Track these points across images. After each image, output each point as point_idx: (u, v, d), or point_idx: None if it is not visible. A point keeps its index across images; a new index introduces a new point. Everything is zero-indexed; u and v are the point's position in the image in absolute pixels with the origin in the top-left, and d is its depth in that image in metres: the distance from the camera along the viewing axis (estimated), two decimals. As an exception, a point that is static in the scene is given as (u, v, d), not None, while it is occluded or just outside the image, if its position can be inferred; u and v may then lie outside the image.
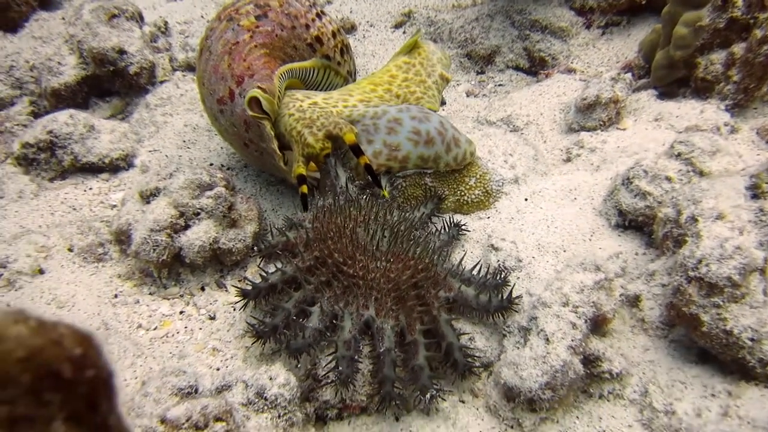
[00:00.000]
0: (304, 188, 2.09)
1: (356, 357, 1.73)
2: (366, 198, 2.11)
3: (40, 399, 0.49)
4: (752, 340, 1.68)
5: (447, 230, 2.21)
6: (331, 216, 1.96)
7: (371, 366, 1.81)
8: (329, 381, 1.76)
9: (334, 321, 1.82)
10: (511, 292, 1.91)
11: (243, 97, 2.23)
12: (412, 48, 2.59)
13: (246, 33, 2.38)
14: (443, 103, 2.77)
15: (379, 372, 1.73)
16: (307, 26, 2.54)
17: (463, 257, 2.10)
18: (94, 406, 0.53)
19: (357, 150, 2.11)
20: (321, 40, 2.57)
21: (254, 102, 2.17)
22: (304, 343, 1.76)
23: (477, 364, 1.85)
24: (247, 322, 1.93)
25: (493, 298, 1.87)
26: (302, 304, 1.85)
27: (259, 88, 2.19)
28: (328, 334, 1.80)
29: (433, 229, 2.21)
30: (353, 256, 1.85)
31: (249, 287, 1.93)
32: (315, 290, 1.86)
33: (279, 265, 1.95)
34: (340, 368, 1.70)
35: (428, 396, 1.70)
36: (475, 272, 1.98)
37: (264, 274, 1.93)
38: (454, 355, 1.79)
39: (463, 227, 2.27)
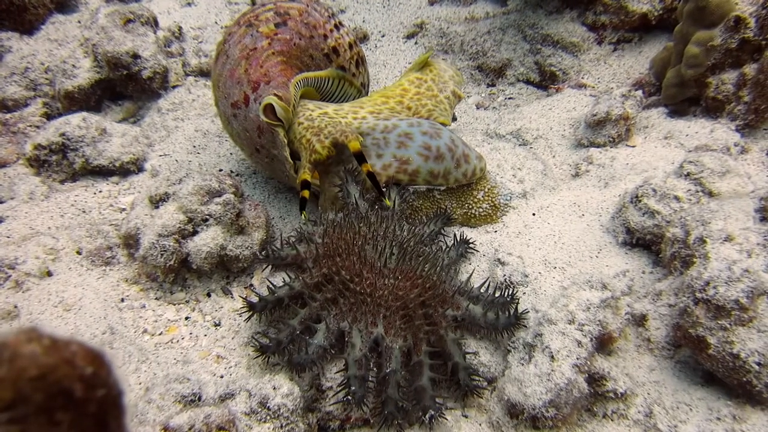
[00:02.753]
0: (306, 193, 2.12)
1: (368, 376, 1.73)
2: (376, 213, 2.11)
3: (52, 418, 0.49)
4: (759, 364, 1.67)
5: (455, 247, 2.21)
6: (341, 232, 1.96)
7: (376, 379, 1.80)
8: (340, 400, 1.76)
9: (340, 338, 1.82)
10: (516, 308, 1.91)
11: (258, 103, 2.24)
12: (423, 65, 2.63)
13: (265, 39, 2.40)
14: (454, 119, 2.78)
15: (383, 392, 1.73)
16: (325, 36, 2.56)
17: (470, 275, 2.09)
18: (103, 425, 0.53)
19: (360, 157, 2.12)
20: (338, 51, 2.60)
21: (269, 109, 2.19)
22: (308, 358, 1.76)
23: (482, 384, 1.84)
24: (253, 337, 1.93)
25: (501, 316, 1.87)
26: (308, 321, 1.85)
27: (275, 95, 2.20)
28: (333, 351, 1.81)
29: (443, 246, 2.20)
30: (360, 273, 1.85)
31: (255, 299, 1.93)
32: (320, 307, 1.86)
33: (287, 279, 1.96)
34: (353, 388, 1.69)
35: (428, 416, 1.70)
36: (483, 289, 1.97)
37: (271, 286, 1.94)
38: (459, 375, 1.80)
39: (470, 244, 2.26)
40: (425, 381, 1.74)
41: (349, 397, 1.69)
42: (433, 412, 1.70)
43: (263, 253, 2.09)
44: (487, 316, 1.87)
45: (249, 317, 1.98)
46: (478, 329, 1.93)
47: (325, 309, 1.85)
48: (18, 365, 0.49)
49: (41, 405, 0.49)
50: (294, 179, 2.30)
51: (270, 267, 2.11)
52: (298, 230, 2.15)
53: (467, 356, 1.85)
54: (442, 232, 2.29)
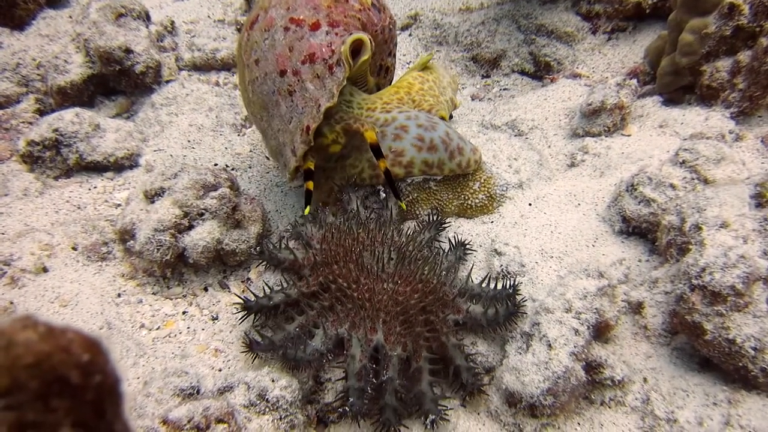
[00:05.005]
0: (310, 184, 2.11)
1: (367, 387, 1.71)
2: (375, 220, 2.09)
3: (48, 405, 0.49)
4: (755, 349, 1.68)
5: (453, 250, 2.17)
6: (339, 237, 1.94)
7: (373, 386, 1.77)
8: (337, 410, 1.75)
9: (338, 344, 1.80)
10: (514, 296, 1.91)
11: (333, 36, 2.13)
12: (424, 66, 2.71)
13: (358, 4, 2.31)
14: (450, 117, 2.83)
15: (381, 398, 1.71)
16: (389, 53, 2.62)
17: (470, 271, 2.07)
18: (101, 412, 0.53)
19: (377, 151, 2.11)
20: (387, 74, 2.67)
21: (352, 47, 2.10)
22: (303, 357, 1.74)
23: (485, 382, 1.83)
24: (245, 333, 1.92)
25: (500, 309, 1.85)
26: (305, 327, 1.84)
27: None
28: (330, 356, 1.79)
29: (440, 252, 2.16)
30: (357, 280, 1.83)
31: (252, 299, 1.93)
32: (317, 315, 1.85)
33: (283, 283, 1.96)
34: (352, 400, 1.68)
35: (430, 420, 1.70)
36: (484, 285, 1.96)
37: (267, 290, 1.93)
38: (462, 376, 1.79)
39: (467, 245, 2.22)
40: (425, 386, 1.73)
41: (347, 409, 1.68)
42: (433, 416, 1.70)
43: (257, 249, 2.08)
44: (488, 314, 1.85)
45: (244, 317, 1.99)
46: (481, 329, 1.91)
47: (322, 316, 1.84)
48: (14, 352, 0.49)
49: (37, 392, 0.49)
50: (314, 120, 2.12)
51: (266, 266, 2.12)
52: (294, 227, 2.12)
53: (469, 355, 1.84)
54: (438, 237, 2.25)
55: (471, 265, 2.20)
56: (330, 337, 1.79)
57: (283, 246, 2.05)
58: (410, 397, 1.76)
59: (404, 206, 2.21)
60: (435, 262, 1.96)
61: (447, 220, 2.36)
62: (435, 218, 2.28)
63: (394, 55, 2.69)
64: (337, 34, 2.13)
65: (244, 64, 2.31)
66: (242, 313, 1.96)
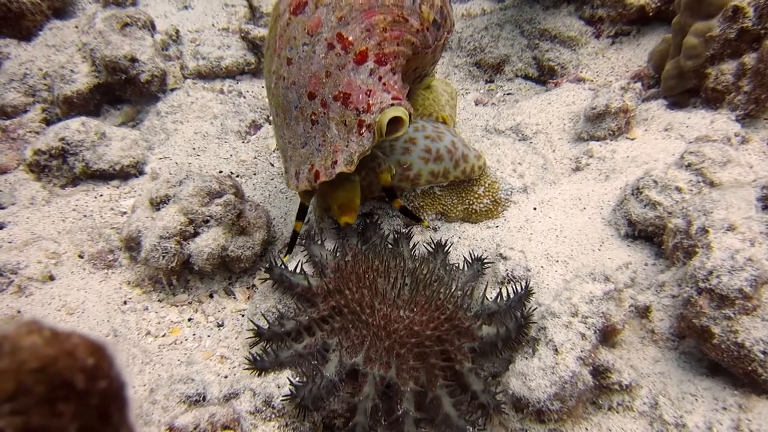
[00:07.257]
0: (299, 225, 2.09)
1: (376, 428, 1.68)
2: (391, 251, 2.07)
3: (54, 410, 0.49)
4: (764, 353, 1.66)
5: (471, 265, 2.13)
6: (354, 265, 1.91)
7: (388, 421, 1.73)
8: None
9: (351, 374, 1.76)
10: (522, 306, 1.89)
11: (375, 80, 1.88)
12: (426, 87, 2.72)
13: (418, 23, 1.99)
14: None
15: (400, 431, 1.67)
16: (433, 63, 2.45)
17: (485, 289, 2.03)
18: (106, 417, 0.53)
19: (391, 193, 2.13)
20: (421, 82, 2.60)
21: (392, 120, 1.85)
22: (318, 394, 1.68)
23: (504, 400, 1.79)
24: (250, 353, 1.89)
25: (510, 325, 1.81)
26: (314, 347, 1.82)
27: (407, 110, 1.87)
28: (342, 384, 1.73)
29: (455, 268, 2.11)
30: (372, 305, 1.79)
31: (264, 326, 1.92)
32: (328, 335, 1.81)
33: (296, 310, 1.96)
34: None
35: None
36: (499, 300, 1.93)
37: (280, 315, 1.93)
38: (481, 398, 1.75)
39: (486, 261, 2.17)
40: (448, 408, 1.70)
41: None
42: (471, 428, 1.68)
43: (267, 266, 2.05)
44: (500, 333, 1.82)
45: (256, 344, 1.96)
46: (496, 350, 1.86)
47: (333, 337, 1.80)
48: (19, 357, 0.49)
49: (43, 396, 0.49)
50: (329, 174, 1.92)
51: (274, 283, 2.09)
52: (308, 244, 2.11)
53: (486, 378, 1.82)
54: (446, 260, 2.20)
55: (486, 282, 2.15)
56: (345, 365, 1.73)
57: (298, 272, 2.01)
58: (437, 423, 1.73)
59: (426, 223, 2.30)
60: (450, 285, 1.91)
61: (451, 226, 2.36)
62: (438, 243, 2.21)
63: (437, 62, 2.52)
64: (380, 78, 1.88)
65: (275, 49, 2.03)
66: (253, 340, 1.94)
